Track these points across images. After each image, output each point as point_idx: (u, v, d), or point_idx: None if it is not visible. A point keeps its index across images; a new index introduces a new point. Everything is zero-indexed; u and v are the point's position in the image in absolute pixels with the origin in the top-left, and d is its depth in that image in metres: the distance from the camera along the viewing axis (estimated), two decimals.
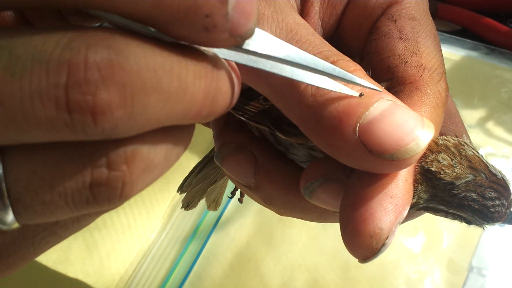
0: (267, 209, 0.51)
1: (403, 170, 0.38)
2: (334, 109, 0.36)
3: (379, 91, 0.36)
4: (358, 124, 0.35)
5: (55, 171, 0.27)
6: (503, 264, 0.88)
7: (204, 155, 0.69)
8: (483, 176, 0.41)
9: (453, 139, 0.43)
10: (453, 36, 1.19)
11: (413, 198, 0.41)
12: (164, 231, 0.96)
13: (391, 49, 0.43)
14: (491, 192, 0.41)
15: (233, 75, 0.31)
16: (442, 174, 0.41)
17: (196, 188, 0.70)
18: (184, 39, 0.28)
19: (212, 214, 0.98)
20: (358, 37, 0.46)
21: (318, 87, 0.36)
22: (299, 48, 0.37)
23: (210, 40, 0.28)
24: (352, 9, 0.46)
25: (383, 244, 0.37)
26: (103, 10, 0.26)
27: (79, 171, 0.27)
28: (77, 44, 0.25)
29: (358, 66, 0.38)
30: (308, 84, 0.36)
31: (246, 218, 0.97)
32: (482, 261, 0.88)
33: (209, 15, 0.27)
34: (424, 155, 0.41)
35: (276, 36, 0.38)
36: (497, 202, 0.41)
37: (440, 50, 0.44)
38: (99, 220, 0.97)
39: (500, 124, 1.05)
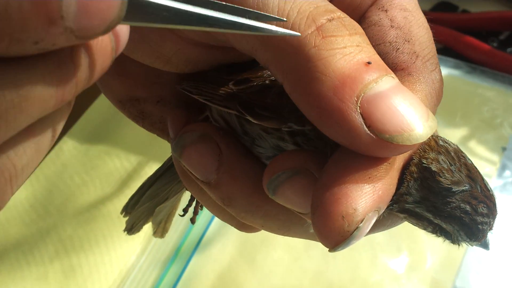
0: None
1: None
2: (338, 69, 0.32)
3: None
4: (363, 94, 0.32)
5: None
6: (486, 284, 0.88)
7: None
8: (479, 189, 0.39)
9: (453, 144, 0.40)
10: None
11: (402, 188, 0.38)
12: (144, 254, 0.94)
13: (381, 37, 0.41)
14: (484, 207, 0.39)
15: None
16: (441, 177, 0.38)
17: (143, 207, 0.62)
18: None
19: (194, 235, 0.96)
20: None
21: (324, 37, 0.33)
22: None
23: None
24: (341, 0, 0.43)
25: (356, 228, 0.33)
26: None
27: None
28: None
29: (362, 29, 0.36)
30: (314, 31, 0.33)
31: (229, 239, 0.95)
32: (466, 281, 0.87)
33: (38, 41, 0.23)
34: (424, 150, 0.39)
35: None
36: (486, 219, 0.39)
37: (433, 43, 0.42)
38: (76, 243, 0.95)
39: (482, 142, 1.05)
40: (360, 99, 0.32)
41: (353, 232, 0.34)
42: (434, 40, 0.42)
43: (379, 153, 0.34)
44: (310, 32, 0.33)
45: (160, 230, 0.68)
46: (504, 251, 0.90)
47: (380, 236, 0.90)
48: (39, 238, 0.96)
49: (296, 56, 0.33)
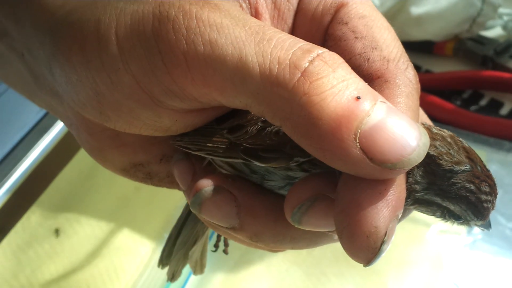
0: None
1: None
2: (332, 112, 0.34)
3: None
4: (359, 130, 0.34)
5: None
6: None
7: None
8: (479, 169, 0.42)
9: (448, 131, 0.43)
10: None
11: (409, 180, 0.40)
12: None
13: (350, 51, 0.43)
14: (486, 186, 0.41)
15: None
16: (441, 160, 0.41)
17: (178, 255, 0.65)
18: None
19: None
20: None
21: (311, 82, 0.35)
22: (273, 47, 0.36)
23: None
24: (302, 20, 0.46)
25: (382, 242, 0.36)
26: None
27: None
28: None
29: (342, 59, 0.37)
30: (300, 78, 0.35)
31: None
32: None
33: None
34: None
35: (243, 40, 0.37)
36: (489, 198, 0.42)
37: (398, 40, 0.44)
38: None
39: None
40: (358, 135, 0.34)
41: (381, 246, 0.37)
42: None
43: (384, 177, 0.37)
44: (296, 80, 0.35)
45: (199, 268, 0.70)
46: None
47: None
48: None
49: (289, 106, 0.36)
